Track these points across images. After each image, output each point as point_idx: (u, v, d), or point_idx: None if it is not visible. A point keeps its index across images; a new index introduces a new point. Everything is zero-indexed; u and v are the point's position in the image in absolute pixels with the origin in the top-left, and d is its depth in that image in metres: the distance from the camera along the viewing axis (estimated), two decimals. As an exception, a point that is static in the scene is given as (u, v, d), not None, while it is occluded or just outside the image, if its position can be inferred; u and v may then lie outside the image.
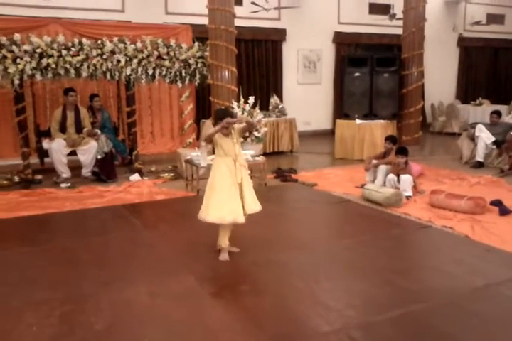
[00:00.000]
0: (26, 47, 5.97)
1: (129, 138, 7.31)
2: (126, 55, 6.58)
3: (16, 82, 6.02)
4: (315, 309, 2.84)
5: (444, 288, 3.13)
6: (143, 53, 6.72)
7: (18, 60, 5.93)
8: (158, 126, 8.99)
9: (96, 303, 2.92)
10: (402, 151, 5.59)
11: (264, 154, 7.20)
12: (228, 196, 3.46)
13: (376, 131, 7.99)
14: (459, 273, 3.37)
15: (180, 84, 7.30)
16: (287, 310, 2.84)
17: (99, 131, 6.72)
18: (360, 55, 10.02)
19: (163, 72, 6.98)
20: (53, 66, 6.10)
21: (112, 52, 6.49)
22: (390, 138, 6.07)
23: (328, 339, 2.53)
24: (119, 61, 6.53)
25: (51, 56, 6.08)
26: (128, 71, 6.63)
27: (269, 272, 3.43)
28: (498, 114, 7.59)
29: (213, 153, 3.90)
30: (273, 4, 9.63)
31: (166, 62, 6.95)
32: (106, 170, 6.50)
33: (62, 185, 6.12)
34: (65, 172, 6.39)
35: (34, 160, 6.74)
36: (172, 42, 7.15)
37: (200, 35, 8.49)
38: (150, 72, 6.84)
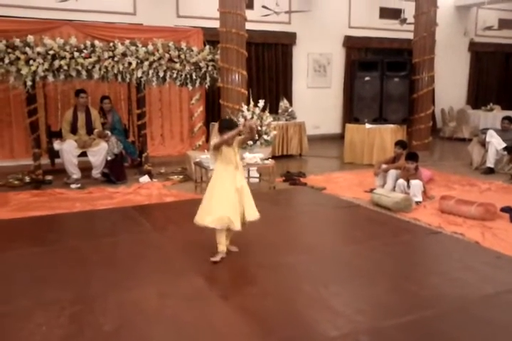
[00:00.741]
0: (39, 48, 6.03)
1: (139, 140, 7.35)
2: (137, 57, 6.63)
3: (29, 83, 6.09)
4: (323, 313, 2.83)
5: (454, 294, 3.11)
6: (154, 56, 6.77)
7: (31, 62, 6.00)
8: (168, 128, 9.02)
9: (105, 304, 2.93)
10: (412, 157, 5.56)
11: (273, 157, 7.22)
12: (227, 202, 3.50)
13: (386, 135, 7.96)
14: (469, 279, 3.34)
15: (190, 87, 7.34)
16: (295, 314, 2.84)
17: (109, 133, 6.76)
18: (371, 59, 10.01)
19: (174, 75, 7.02)
20: (65, 68, 6.16)
21: (124, 55, 6.54)
22: (400, 143, 6.05)
23: (336, 344, 2.53)
24: (130, 63, 6.58)
25: (63, 58, 6.14)
26: (139, 73, 6.67)
27: (278, 275, 3.43)
28: (509, 119, 7.54)
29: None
30: (284, 8, 9.64)
31: (177, 65, 7.00)
32: (116, 172, 6.54)
33: (73, 186, 6.17)
34: (76, 173, 6.43)
35: (45, 160, 6.81)
36: (183, 45, 7.20)
37: (210, 38, 8.54)
38: (161, 74, 6.88)
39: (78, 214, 5.04)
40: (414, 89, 9.25)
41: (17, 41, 5.97)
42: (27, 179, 6.47)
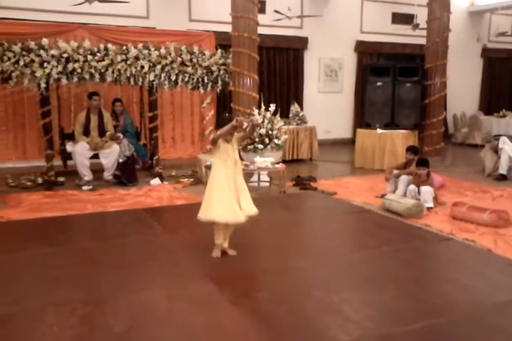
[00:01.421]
0: (53, 51, 6.10)
1: (151, 143, 7.39)
2: (150, 61, 6.69)
3: (43, 85, 6.16)
4: (333, 319, 2.81)
5: (466, 301, 3.08)
6: (166, 59, 6.82)
7: (45, 64, 6.07)
8: (179, 131, 9.07)
9: (115, 305, 2.94)
10: (422, 163, 5.50)
11: (284, 161, 7.21)
12: (226, 196, 3.60)
13: (397, 141, 7.92)
14: (481, 287, 3.31)
15: (202, 91, 7.37)
16: (305, 319, 2.82)
17: (121, 135, 6.81)
18: (383, 65, 9.99)
19: (186, 79, 7.06)
20: (79, 71, 6.22)
21: (136, 58, 6.60)
22: (411, 149, 6.02)
23: (346, 349, 2.51)
24: (142, 67, 6.63)
25: (77, 61, 6.21)
26: (151, 77, 6.72)
27: (288, 280, 3.42)
28: (522, 126, 7.47)
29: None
30: (296, 12, 9.66)
31: (189, 69, 7.03)
32: (127, 174, 6.58)
33: (84, 188, 6.21)
34: (87, 175, 6.47)
35: (57, 162, 6.87)
36: (195, 49, 7.24)
37: (222, 42, 8.57)
38: (173, 78, 6.93)
39: (89, 215, 5.08)
40: (426, 94, 9.21)
41: (32, 44, 6.05)
42: (39, 180, 6.53)
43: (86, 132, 6.69)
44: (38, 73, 6.04)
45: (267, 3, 9.72)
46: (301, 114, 8.98)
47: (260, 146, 6.67)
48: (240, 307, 2.94)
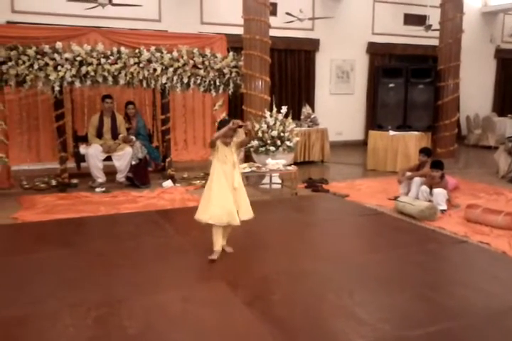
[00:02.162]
0: (67, 55, 6.17)
1: (163, 145, 7.42)
2: (162, 63, 6.73)
3: (57, 88, 6.23)
4: (347, 322, 2.80)
5: (480, 305, 3.05)
6: (178, 62, 6.86)
7: (59, 68, 6.14)
8: (191, 133, 9.10)
9: (130, 307, 2.96)
10: (437, 165, 5.46)
11: (295, 163, 7.21)
12: (225, 199, 3.65)
13: (410, 142, 7.87)
14: (496, 290, 3.28)
15: (214, 93, 7.40)
16: (319, 322, 2.82)
17: (134, 138, 6.85)
18: (395, 66, 9.96)
19: (198, 81, 7.10)
20: (92, 74, 6.28)
21: (149, 61, 6.65)
22: (424, 151, 5.97)
23: (361, 352, 2.50)
24: (155, 70, 6.68)
25: (90, 64, 6.27)
26: (163, 79, 6.77)
27: (301, 282, 3.41)
28: (537, 127, 7.40)
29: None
30: (307, 14, 9.66)
31: (201, 71, 7.07)
32: (140, 176, 6.62)
33: (97, 190, 6.26)
34: (101, 177, 6.53)
35: (71, 164, 6.92)
36: (207, 51, 7.27)
37: (234, 44, 8.60)
38: (185, 80, 6.97)
39: (103, 217, 5.11)
40: (439, 96, 9.16)
41: (46, 48, 6.11)
42: (53, 182, 6.59)
43: (99, 134, 6.74)
44: (52, 76, 6.10)
45: (279, 5, 9.74)
46: (312, 116, 8.98)
47: (272, 148, 6.68)
48: (253, 310, 2.94)
